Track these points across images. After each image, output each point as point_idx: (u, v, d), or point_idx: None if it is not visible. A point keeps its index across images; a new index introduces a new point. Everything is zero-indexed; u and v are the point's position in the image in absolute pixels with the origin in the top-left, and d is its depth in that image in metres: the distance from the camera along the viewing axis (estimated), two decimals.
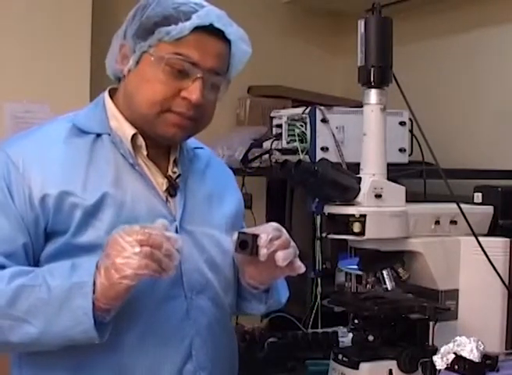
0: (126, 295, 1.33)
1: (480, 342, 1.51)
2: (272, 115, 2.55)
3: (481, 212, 1.88)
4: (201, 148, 1.68)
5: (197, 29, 1.43)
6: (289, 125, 2.42)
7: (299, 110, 2.41)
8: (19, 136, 1.52)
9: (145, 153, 1.51)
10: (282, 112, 2.51)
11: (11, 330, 1.33)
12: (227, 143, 2.73)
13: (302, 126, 2.36)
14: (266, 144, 2.53)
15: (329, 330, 2.19)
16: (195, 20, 1.42)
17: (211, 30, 1.45)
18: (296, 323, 2.37)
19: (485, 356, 1.52)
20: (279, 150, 2.46)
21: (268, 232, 1.45)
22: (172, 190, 1.52)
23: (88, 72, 2.76)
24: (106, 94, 1.56)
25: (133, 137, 1.50)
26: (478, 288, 1.78)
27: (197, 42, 1.44)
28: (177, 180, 1.54)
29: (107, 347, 1.39)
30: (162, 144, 1.55)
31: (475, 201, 1.93)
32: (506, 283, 1.77)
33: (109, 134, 1.50)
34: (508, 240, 1.80)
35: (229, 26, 1.48)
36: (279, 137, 2.47)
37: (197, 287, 1.50)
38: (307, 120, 2.34)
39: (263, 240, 1.43)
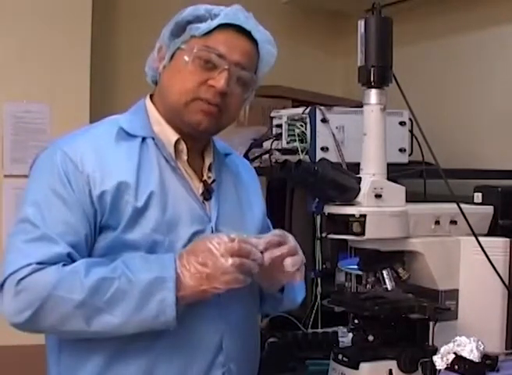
0: None
1: (480, 342, 1.51)
2: (272, 115, 2.54)
3: (481, 212, 1.88)
4: (230, 153, 1.76)
5: (226, 27, 1.54)
6: (289, 125, 2.42)
7: (299, 110, 2.41)
8: (71, 136, 1.57)
9: (185, 158, 1.59)
10: (282, 112, 2.51)
11: (90, 319, 1.40)
12: (227, 143, 2.72)
13: (302, 126, 2.36)
14: (266, 144, 2.53)
15: (329, 330, 2.19)
16: (223, 17, 1.54)
17: (239, 30, 1.55)
18: (296, 323, 2.37)
19: (485, 356, 1.53)
20: (279, 150, 2.46)
21: (266, 237, 1.50)
22: (207, 194, 1.60)
23: (88, 72, 2.76)
24: (148, 99, 1.64)
25: (176, 142, 1.58)
26: (478, 288, 1.78)
27: (225, 38, 1.54)
28: (212, 185, 1.61)
29: (143, 339, 1.46)
30: (197, 146, 1.62)
31: (475, 201, 1.93)
32: (506, 283, 1.77)
33: (153, 138, 1.57)
34: (508, 240, 1.80)
35: (255, 28, 1.58)
36: (279, 137, 2.47)
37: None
38: (307, 120, 2.34)
39: (261, 246, 1.47)
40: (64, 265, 1.42)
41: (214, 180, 1.62)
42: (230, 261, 1.39)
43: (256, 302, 1.68)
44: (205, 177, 1.62)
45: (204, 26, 1.53)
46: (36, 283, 1.40)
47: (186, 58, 1.53)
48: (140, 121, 1.59)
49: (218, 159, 1.67)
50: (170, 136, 1.58)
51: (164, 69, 1.58)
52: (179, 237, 1.51)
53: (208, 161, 1.64)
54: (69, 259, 1.44)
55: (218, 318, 1.54)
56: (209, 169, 1.64)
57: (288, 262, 1.49)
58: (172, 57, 1.57)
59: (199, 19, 1.54)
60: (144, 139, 1.57)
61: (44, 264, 1.41)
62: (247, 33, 1.57)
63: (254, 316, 1.70)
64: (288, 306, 1.73)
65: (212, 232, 1.55)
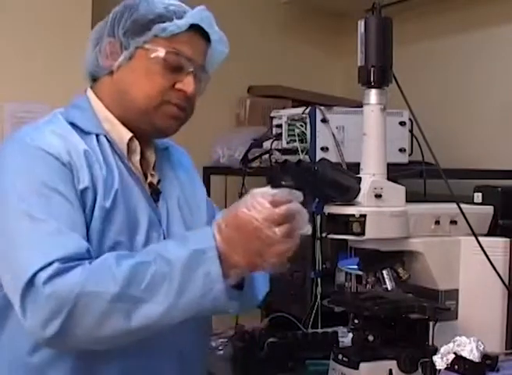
0: None
1: (480, 342, 1.51)
2: (272, 115, 2.54)
3: (481, 212, 1.88)
4: (167, 146, 1.67)
5: (189, 27, 1.50)
6: (289, 125, 2.42)
7: (299, 110, 2.41)
8: (33, 129, 1.48)
9: (138, 157, 1.53)
10: (282, 112, 2.51)
11: (130, 313, 1.26)
12: (227, 143, 2.72)
13: (302, 126, 2.36)
14: (266, 144, 2.53)
15: (329, 330, 2.19)
16: (189, 19, 1.50)
17: (198, 30, 1.52)
18: (296, 323, 2.37)
19: (485, 356, 1.52)
20: (279, 150, 2.46)
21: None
22: (155, 196, 1.54)
23: None
24: (91, 95, 1.56)
25: (129, 141, 1.52)
26: (478, 288, 1.78)
27: (190, 39, 1.51)
28: (158, 186, 1.56)
29: (100, 354, 1.37)
30: (140, 144, 1.55)
31: (475, 201, 1.93)
32: (506, 283, 1.77)
33: (105, 135, 1.51)
34: (508, 240, 1.80)
35: (213, 28, 1.54)
36: (279, 137, 2.47)
37: None
38: (307, 120, 2.34)
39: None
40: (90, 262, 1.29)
41: (159, 181, 1.57)
42: (278, 232, 1.27)
43: None
44: (150, 179, 1.55)
45: (172, 28, 1.48)
46: (63, 285, 1.24)
47: (151, 59, 1.48)
48: (88, 117, 1.52)
49: (159, 156, 1.61)
50: (123, 134, 1.51)
51: (118, 68, 1.51)
52: (140, 239, 1.45)
53: (151, 159, 1.58)
54: (90, 256, 1.31)
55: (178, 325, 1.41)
56: (154, 168, 1.58)
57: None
58: (130, 56, 1.50)
59: (161, 18, 1.49)
60: (97, 136, 1.49)
61: (67, 260, 1.27)
62: (204, 33, 1.53)
63: (209, 318, 1.64)
64: (248, 304, 1.56)
65: (164, 236, 1.48)
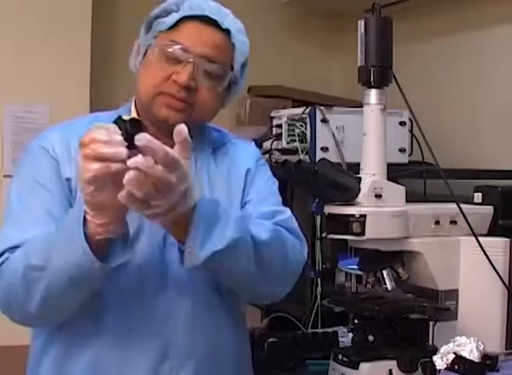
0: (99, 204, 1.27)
1: (480, 342, 1.51)
2: (272, 115, 2.55)
3: (481, 212, 1.88)
4: (224, 144, 1.66)
5: (192, 19, 1.51)
6: (289, 125, 2.43)
7: (299, 110, 2.41)
8: (48, 130, 1.62)
9: None
10: (282, 112, 2.52)
11: (40, 280, 1.34)
12: None
13: (302, 126, 2.36)
14: (266, 144, 2.53)
15: (329, 330, 2.19)
16: (185, 9, 1.51)
17: (206, 21, 1.51)
18: (296, 323, 2.37)
19: (485, 356, 1.52)
20: (279, 150, 2.46)
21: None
22: None
23: (88, 72, 2.76)
24: (133, 99, 1.61)
25: None
26: (478, 288, 1.78)
27: (190, 30, 1.51)
28: None
29: (87, 335, 1.44)
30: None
31: (475, 201, 1.93)
32: (506, 283, 1.77)
33: None
34: (508, 240, 1.80)
35: (224, 17, 1.53)
36: (279, 137, 2.47)
37: (180, 285, 1.48)
38: (307, 120, 2.35)
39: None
40: None
41: None
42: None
43: (223, 298, 1.54)
44: None
45: (169, 20, 1.51)
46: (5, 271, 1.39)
47: (154, 53, 1.52)
48: (123, 114, 1.54)
49: (197, 156, 1.57)
50: None
51: (139, 66, 1.57)
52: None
53: None
54: None
55: (164, 318, 1.46)
56: None
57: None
58: (145, 54, 1.55)
59: (166, 12, 1.53)
60: None
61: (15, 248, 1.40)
62: (215, 24, 1.52)
63: (219, 313, 1.55)
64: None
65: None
